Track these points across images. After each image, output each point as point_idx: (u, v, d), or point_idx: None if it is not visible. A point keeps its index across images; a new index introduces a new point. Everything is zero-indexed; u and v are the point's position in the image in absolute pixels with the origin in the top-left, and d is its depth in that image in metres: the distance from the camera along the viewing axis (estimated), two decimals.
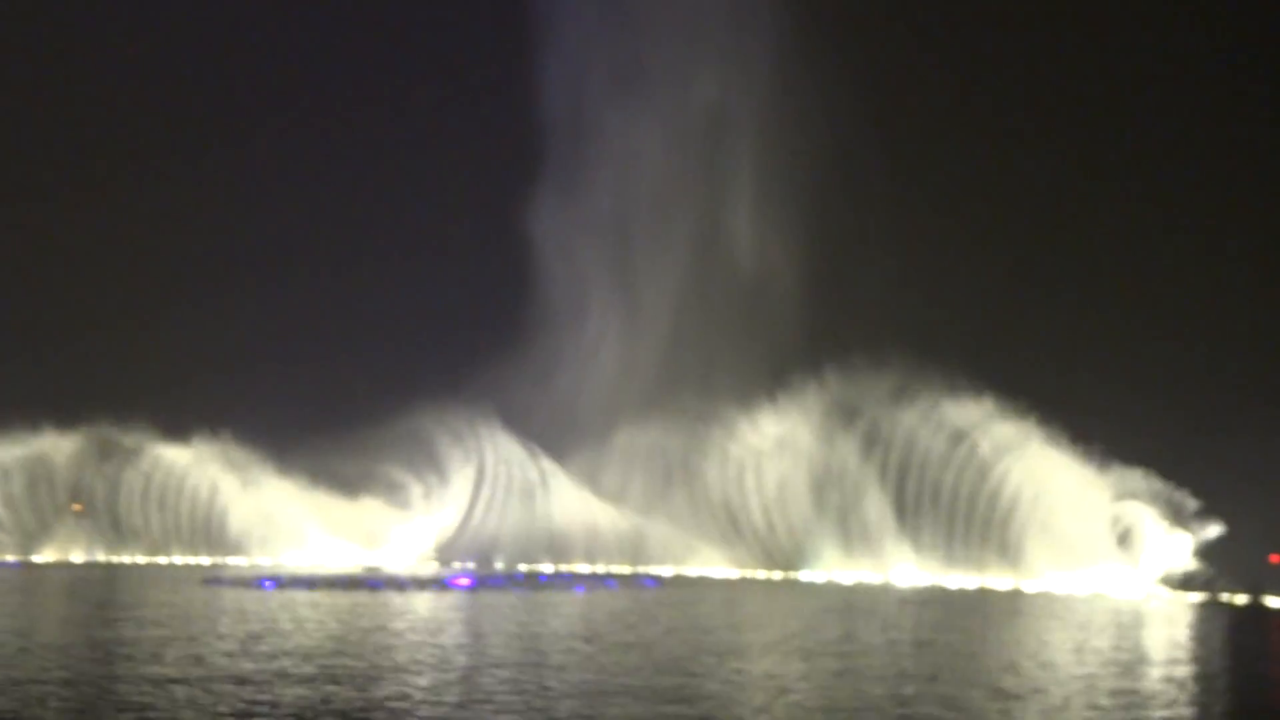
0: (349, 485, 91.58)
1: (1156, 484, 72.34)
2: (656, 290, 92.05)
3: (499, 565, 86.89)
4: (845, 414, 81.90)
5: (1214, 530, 69.90)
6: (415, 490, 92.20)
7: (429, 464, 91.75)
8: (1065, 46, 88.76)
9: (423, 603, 49.68)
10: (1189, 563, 69.82)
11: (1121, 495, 72.92)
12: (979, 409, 77.40)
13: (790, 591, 65.48)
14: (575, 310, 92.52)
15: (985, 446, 76.95)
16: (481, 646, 32.10)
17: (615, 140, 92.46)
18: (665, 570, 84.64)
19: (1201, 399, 78.76)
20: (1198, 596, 64.99)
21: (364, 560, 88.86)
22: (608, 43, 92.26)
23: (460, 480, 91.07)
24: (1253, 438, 68.37)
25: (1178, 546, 70.58)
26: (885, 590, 67.77)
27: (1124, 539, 72.18)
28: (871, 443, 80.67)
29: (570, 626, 38.69)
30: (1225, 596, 64.32)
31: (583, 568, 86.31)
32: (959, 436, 77.98)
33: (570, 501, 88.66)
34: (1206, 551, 69.89)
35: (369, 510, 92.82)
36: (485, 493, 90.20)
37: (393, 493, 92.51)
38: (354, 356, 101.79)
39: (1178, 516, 71.08)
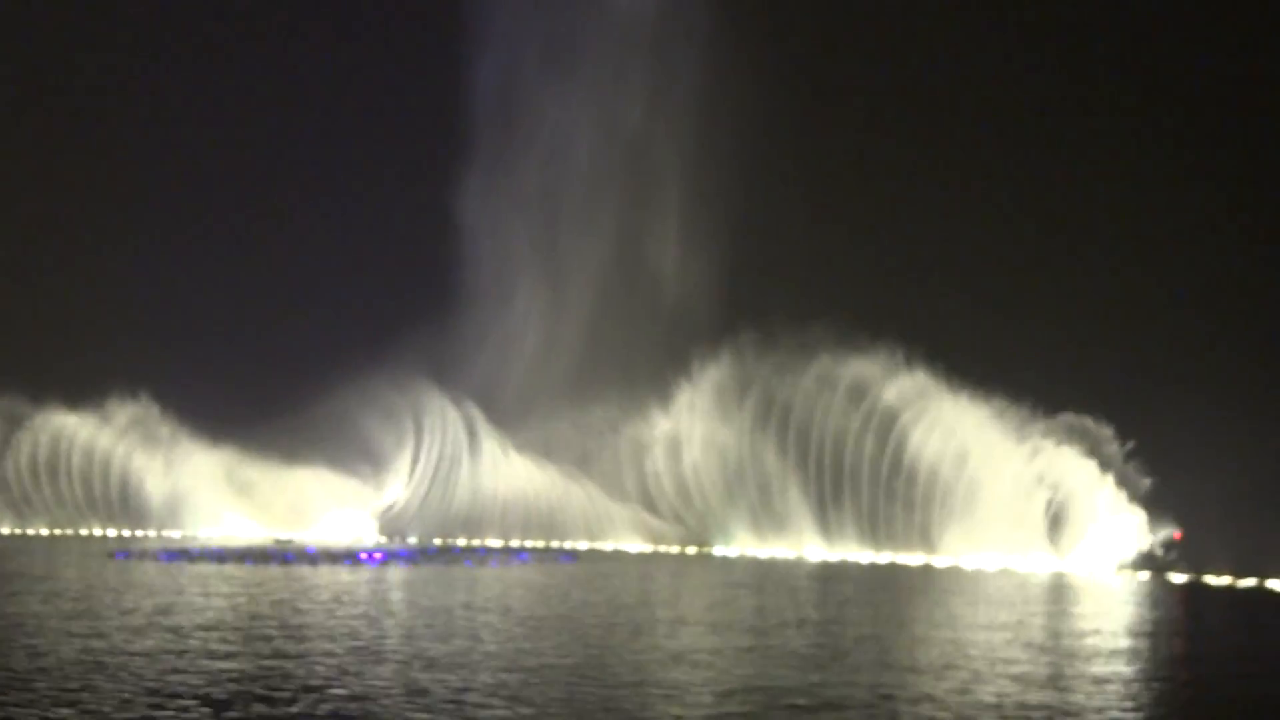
0: (286, 457, 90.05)
1: (1087, 423, 71.67)
2: (581, 271, 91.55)
3: (412, 540, 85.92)
4: (746, 388, 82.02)
5: (1145, 482, 69.18)
6: (358, 463, 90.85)
7: (372, 436, 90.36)
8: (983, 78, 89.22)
9: (333, 577, 48.70)
10: (1140, 540, 68.55)
11: (1042, 448, 72.29)
12: (879, 362, 77.35)
13: (703, 567, 65.28)
14: (501, 289, 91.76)
15: (891, 397, 76.89)
16: (391, 621, 31.33)
17: (545, 121, 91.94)
18: (580, 545, 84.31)
19: (1130, 341, 79.08)
20: (1144, 574, 64.03)
21: (296, 535, 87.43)
22: (540, 22, 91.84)
23: (402, 453, 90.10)
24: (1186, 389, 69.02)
25: (1121, 519, 69.28)
26: (798, 565, 67.79)
27: (1053, 506, 71.31)
28: (778, 418, 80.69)
29: (482, 600, 38.01)
30: (1178, 575, 63.11)
31: (495, 542, 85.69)
32: (859, 392, 77.88)
33: (509, 474, 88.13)
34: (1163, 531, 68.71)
35: (306, 482, 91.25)
36: (428, 464, 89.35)
37: (337, 464, 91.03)
38: (279, 331, 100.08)
39: (1110, 466, 70.19)
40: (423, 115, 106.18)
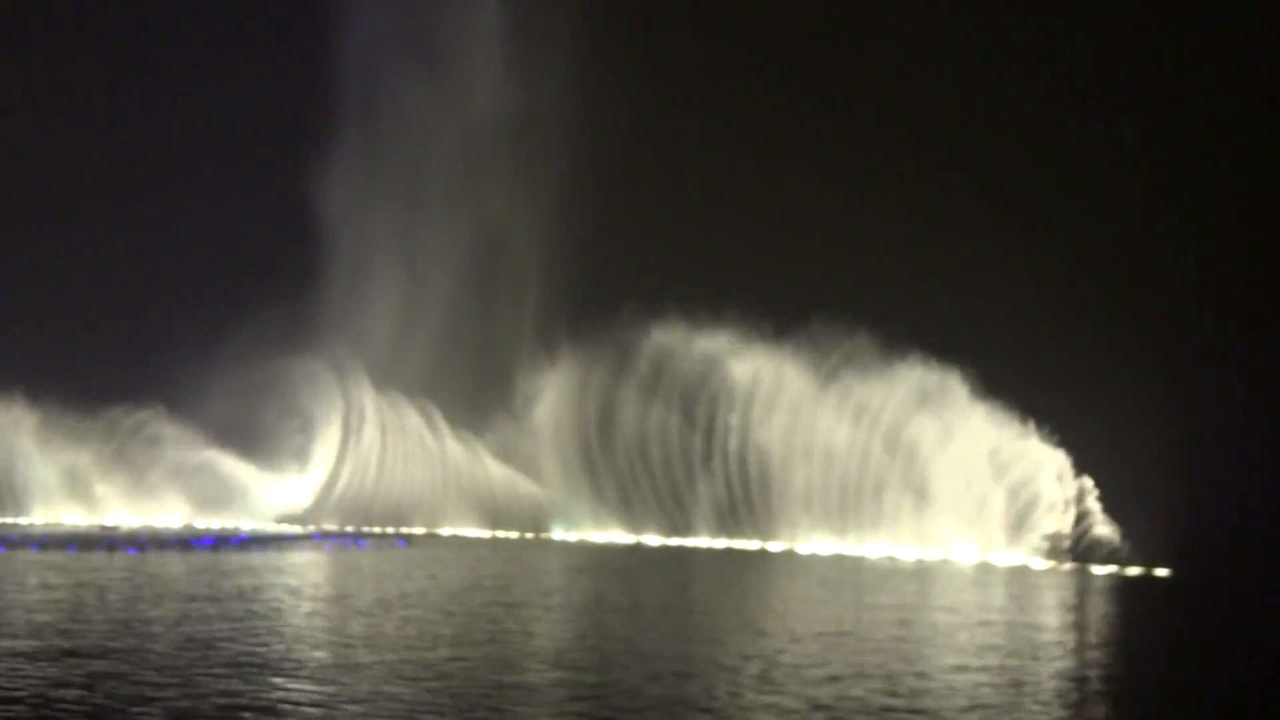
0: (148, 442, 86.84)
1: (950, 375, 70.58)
2: (441, 260, 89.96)
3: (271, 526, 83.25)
4: (592, 378, 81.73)
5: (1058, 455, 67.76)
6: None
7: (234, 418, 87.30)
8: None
9: (161, 563, 46.51)
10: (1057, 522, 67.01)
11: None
12: (725, 337, 77.21)
13: (541, 551, 64.48)
14: (359, 278, 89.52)
15: (739, 373, 76.86)
16: (210, 607, 29.73)
17: (406, 109, 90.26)
18: (417, 530, 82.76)
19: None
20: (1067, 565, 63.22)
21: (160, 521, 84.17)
22: (402, 15, 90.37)
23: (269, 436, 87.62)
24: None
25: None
26: (635, 550, 67.47)
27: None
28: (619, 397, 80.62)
29: (313, 586, 36.56)
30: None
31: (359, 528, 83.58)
32: (709, 365, 77.89)
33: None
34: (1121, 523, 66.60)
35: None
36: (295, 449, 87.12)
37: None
38: (136, 315, 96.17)
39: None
40: (284, 100, 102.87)
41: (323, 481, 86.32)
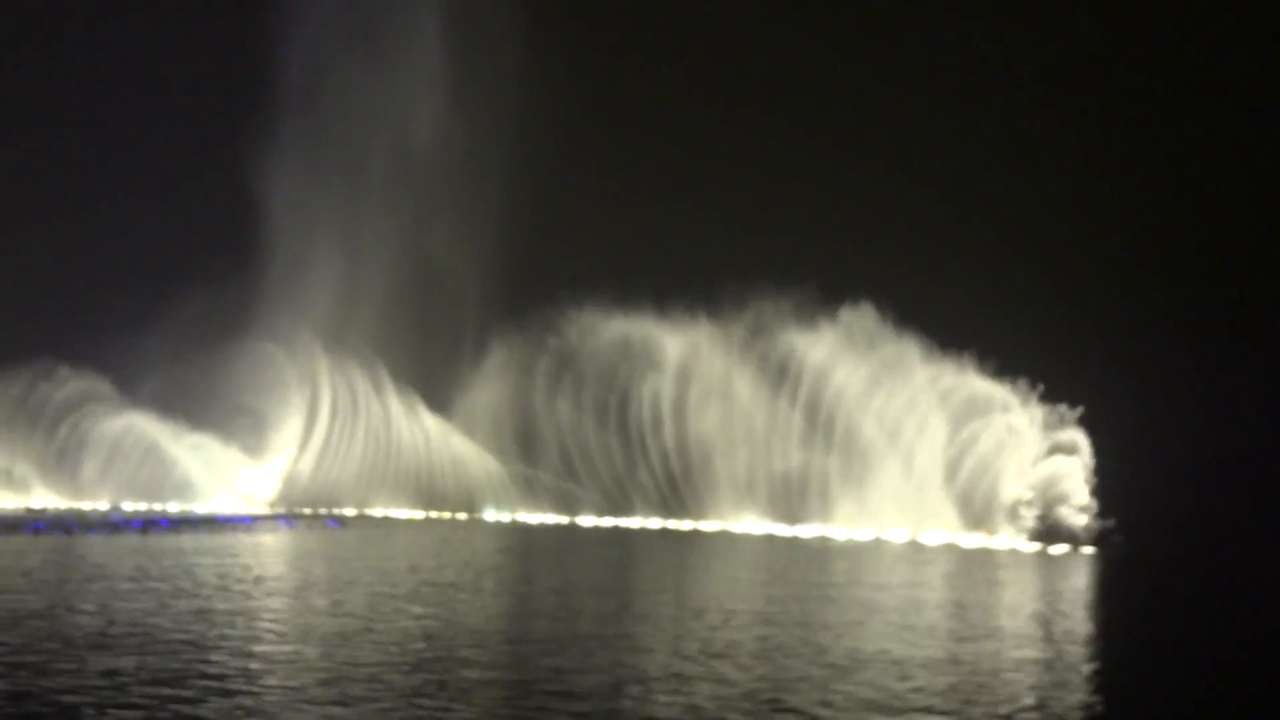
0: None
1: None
2: (378, 250, 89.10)
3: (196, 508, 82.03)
4: (530, 363, 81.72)
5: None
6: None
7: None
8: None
9: (87, 547, 45.55)
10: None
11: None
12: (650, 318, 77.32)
13: (473, 532, 64.04)
14: (300, 263, 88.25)
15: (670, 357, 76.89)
16: (132, 589, 29.03)
17: (347, 101, 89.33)
18: (348, 511, 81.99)
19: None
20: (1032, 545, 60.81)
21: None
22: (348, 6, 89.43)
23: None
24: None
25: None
26: (569, 531, 67.24)
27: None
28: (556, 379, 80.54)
29: (237, 568, 35.86)
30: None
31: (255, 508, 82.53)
32: (622, 348, 77.96)
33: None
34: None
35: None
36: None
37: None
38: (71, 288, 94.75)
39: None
40: (229, 86, 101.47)
41: (289, 465, 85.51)
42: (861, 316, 69.94)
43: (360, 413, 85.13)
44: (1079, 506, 62.40)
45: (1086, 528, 61.74)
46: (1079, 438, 63.72)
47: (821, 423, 70.52)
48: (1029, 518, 63.12)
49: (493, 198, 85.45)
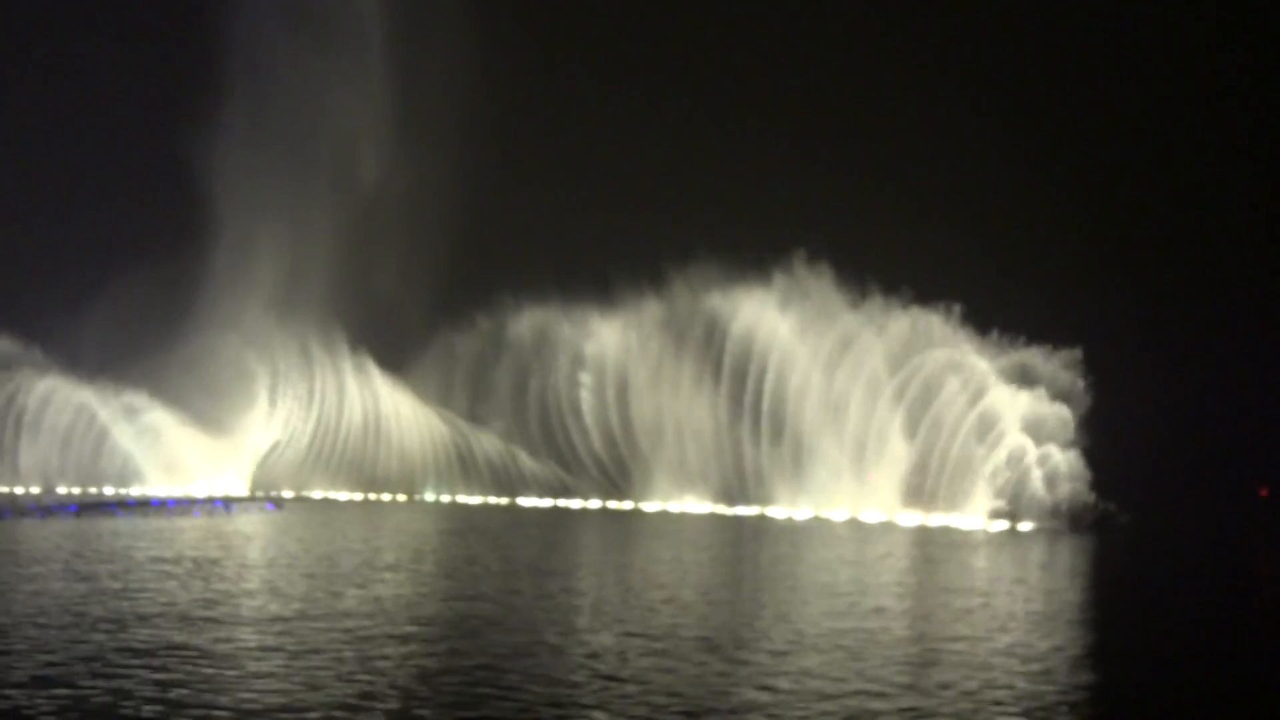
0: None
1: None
2: (325, 230, 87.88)
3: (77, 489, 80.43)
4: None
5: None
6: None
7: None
8: None
9: (15, 530, 44.51)
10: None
11: None
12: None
13: (411, 513, 63.49)
14: (243, 244, 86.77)
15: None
16: (70, 575, 28.29)
17: (292, 76, 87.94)
18: (286, 494, 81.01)
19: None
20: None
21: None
22: None
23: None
24: None
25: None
26: (509, 512, 66.92)
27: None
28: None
29: (171, 551, 35.15)
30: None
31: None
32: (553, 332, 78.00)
33: None
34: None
35: None
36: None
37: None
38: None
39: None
40: (172, 65, 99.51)
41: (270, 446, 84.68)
42: (796, 273, 69.31)
43: (316, 376, 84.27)
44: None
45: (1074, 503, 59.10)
46: (1032, 361, 61.92)
47: (750, 382, 70.20)
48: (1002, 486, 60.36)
49: (443, 176, 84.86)
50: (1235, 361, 74.38)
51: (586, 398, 77.23)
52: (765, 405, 69.94)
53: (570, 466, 77.86)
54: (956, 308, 64.30)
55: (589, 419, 76.99)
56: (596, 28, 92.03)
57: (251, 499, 74.55)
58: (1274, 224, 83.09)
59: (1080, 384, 60.90)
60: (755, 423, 70.55)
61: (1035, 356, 62.33)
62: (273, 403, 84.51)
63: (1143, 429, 63.81)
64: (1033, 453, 60.36)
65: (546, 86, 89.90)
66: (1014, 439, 60.97)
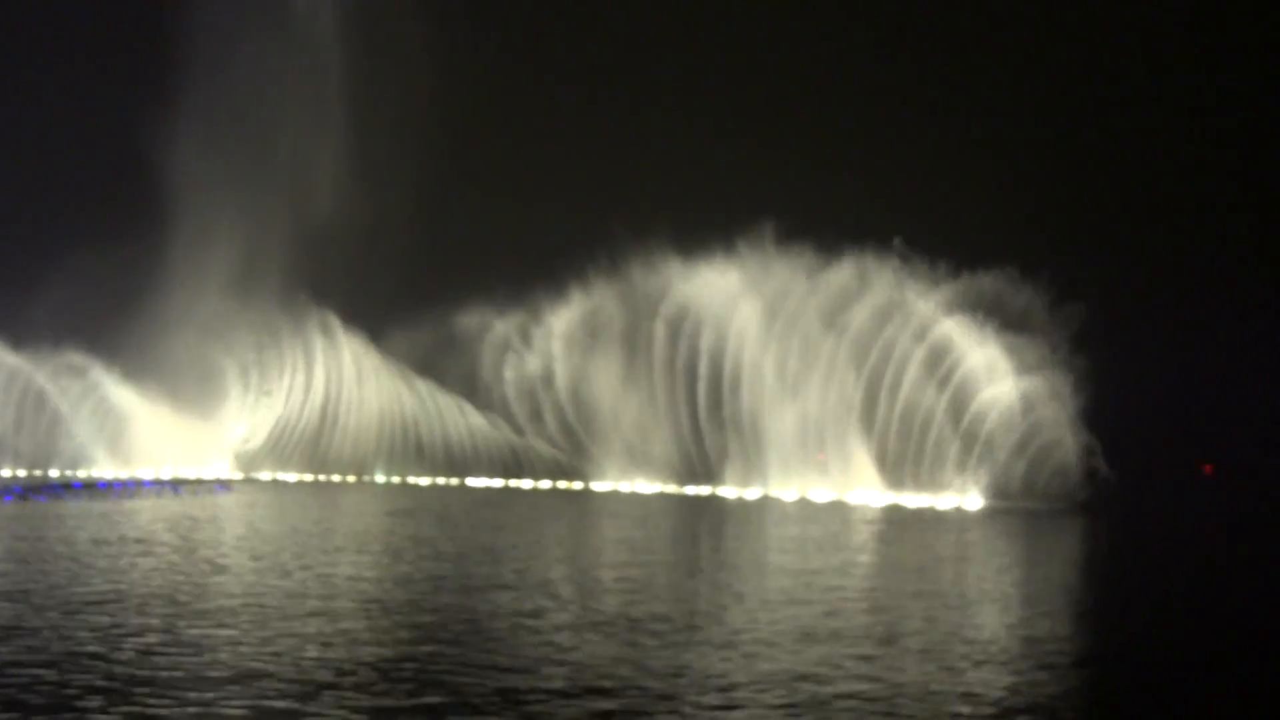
0: None
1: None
2: (283, 223, 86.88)
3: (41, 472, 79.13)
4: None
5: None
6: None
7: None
8: None
9: None
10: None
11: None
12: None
13: (360, 495, 63.15)
14: (199, 236, 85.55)
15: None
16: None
17: (257, 79, 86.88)
18: (236, 475, 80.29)
19: None
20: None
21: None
22: None
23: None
24: None
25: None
26: (459, 492, 66.78)
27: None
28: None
29: (123, 533, 34.68)
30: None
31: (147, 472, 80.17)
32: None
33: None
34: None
35: None
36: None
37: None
38: None
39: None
40: (129, 54, 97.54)
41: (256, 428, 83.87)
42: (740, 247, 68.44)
43: (285, 346, 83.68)
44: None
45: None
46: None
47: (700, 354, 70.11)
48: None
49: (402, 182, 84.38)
50: (1183, 337, 74.41)
51: (537, 377, 77.15)
52: (702, 369, 69.85)
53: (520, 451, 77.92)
54: (897, 241, 62.19)
55: (541, 393, 77.04)
56: (545, 19, 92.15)
57: (200, 481, 73.74)
58: (1230, 192, 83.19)
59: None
60: (696, 396, 70.62)
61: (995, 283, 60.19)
62: (245, 385, 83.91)
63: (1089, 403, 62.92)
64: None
65: (504, 82, 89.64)
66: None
